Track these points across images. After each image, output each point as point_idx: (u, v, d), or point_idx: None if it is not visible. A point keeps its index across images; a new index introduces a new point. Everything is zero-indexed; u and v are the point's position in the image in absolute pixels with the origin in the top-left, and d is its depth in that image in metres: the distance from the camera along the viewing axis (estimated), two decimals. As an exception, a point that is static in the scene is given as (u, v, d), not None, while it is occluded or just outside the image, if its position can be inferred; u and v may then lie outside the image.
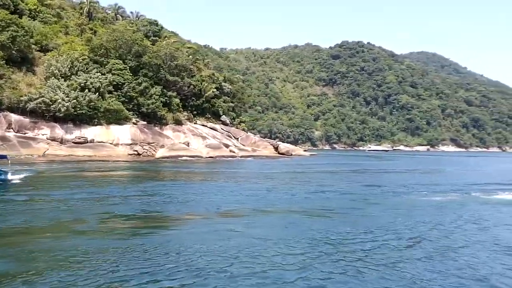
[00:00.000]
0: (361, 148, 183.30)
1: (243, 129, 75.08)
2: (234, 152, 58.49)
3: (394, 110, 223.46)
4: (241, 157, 57.28)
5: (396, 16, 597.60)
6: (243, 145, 70.53)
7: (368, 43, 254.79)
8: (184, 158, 53.94)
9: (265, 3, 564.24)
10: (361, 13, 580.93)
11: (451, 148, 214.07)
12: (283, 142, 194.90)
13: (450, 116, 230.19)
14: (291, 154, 75.14)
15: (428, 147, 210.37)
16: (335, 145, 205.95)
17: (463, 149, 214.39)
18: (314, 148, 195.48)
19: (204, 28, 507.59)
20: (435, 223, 15.10)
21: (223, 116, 73.75)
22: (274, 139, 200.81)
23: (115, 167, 38.39)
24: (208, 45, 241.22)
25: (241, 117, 79.17)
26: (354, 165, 53.35)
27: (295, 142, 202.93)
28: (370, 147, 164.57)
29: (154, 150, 57.71)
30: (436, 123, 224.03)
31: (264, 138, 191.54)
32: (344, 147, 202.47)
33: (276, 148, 75.11)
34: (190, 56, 74.25)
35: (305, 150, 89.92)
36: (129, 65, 64.18)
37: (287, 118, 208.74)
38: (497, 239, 13.05)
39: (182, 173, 33.87)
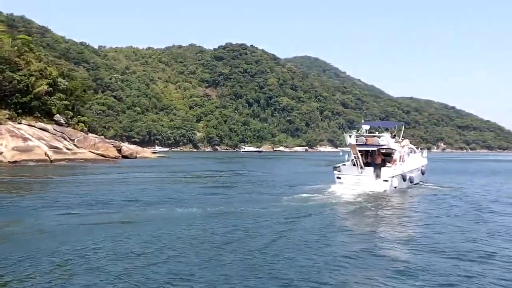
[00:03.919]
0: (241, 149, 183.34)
1: (82, 130, 68.29)
2: (48, 155, 52.09)
3: (275, 112, 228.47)
4: (52, 161, 50.99)
5: (281, 22, 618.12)
6: (79, 147, 64.07)
7: (251, 45, 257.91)
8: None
9: (148, 2, 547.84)
10: (248, 17, 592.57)
11: (328, 148, 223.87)
12: (163, 144, 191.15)
13: (327, 118, 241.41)
14: (136, 157, 70.27)
15: (307, 147, 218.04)
16: (217, 147, 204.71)
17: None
18: (195, 150, 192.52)
19: (84, 25, 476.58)
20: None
21: (57, 115, 66.40)
22: (154, 141, 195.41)
23: None
24: (85, 42, 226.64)
25: (79, 116, 72.10)
26: (188, 170, 49.99)
27: (176, 144, 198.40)
28: (244, 149, 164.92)
29: (-51, 154, 49.29)
30: (314, 125, 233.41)
31: (142, 140, 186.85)
32: (227, 149, 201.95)
33: (119, 150, 69.66)
34: (15, 48, 65.75)
35: (153, 152, 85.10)
36: None
37: (168, 119, 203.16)
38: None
39: None
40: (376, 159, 29.57)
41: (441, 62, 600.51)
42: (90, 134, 69.82)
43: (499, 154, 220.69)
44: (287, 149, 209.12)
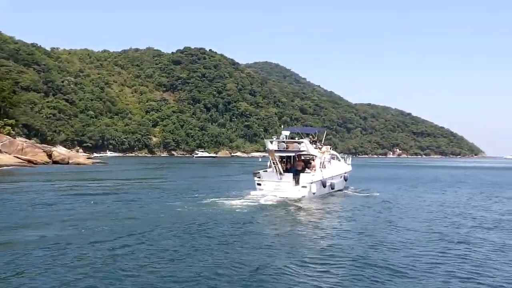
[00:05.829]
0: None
1: (9, 133, 64.86)
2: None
3: (234, 117, 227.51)
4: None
5: (242, 28, 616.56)
6: (3, 152, 60.79)
7: (210, 50, 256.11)
8: None
9: (106, 4, 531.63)
10: (209, 21, 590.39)
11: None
12: (117, 149, 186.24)
13: (286, 123, 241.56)
14: (68, 162, 67.21)
15: (264, 153, 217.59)
16: (173, 152, 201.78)
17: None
18: (149, 155, 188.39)
19: (36, 26, 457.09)
20: None
21: (-19, 118, 63.03)
22: (107, 146, 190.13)
23: None
24: (36, 44, 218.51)
25: (6, 119, 68.50)
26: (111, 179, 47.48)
27: (131, 149, 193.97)
28: (197, 154, 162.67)
29: None
30: (273, 130, 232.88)
31: (94, 145, 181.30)
32: (183, 154, 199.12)
33: (50, 155, 66.52)
34: None
35: (88, 158, 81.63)
36: None
37: (123, 124, 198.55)
38: None
39: None
40: (297, 165, 29.41)
41: (398, 69, 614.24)
42: (18, 138, 66.59)
43: (450, 159, 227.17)
44: (245, 155, 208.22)
